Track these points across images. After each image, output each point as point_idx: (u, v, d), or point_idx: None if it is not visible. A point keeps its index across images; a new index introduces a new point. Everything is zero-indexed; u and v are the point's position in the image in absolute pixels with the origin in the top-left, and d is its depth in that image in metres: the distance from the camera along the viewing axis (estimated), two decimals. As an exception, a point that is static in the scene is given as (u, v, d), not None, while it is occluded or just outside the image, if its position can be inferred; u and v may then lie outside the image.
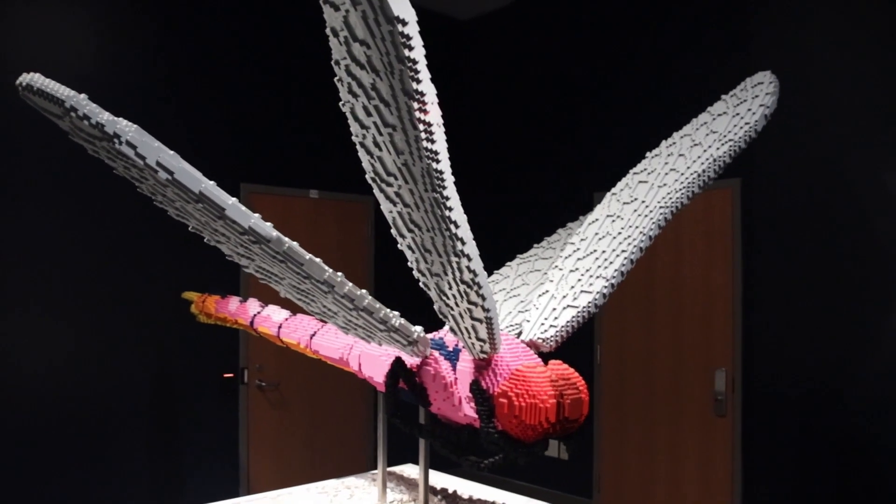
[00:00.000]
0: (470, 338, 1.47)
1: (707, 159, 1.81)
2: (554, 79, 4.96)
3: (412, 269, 1.44)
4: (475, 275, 1.31)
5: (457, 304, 1.41)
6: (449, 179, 1.21)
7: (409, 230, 1.34)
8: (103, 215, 3.91)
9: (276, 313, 2.42)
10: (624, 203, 1.85)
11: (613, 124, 4.61)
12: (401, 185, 1.26)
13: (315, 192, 4.67)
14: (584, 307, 1.65)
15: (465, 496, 2.13)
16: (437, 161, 1.18)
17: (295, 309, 2.43)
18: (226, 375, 4.19)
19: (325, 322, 2.21)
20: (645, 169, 1.91)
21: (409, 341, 1.53)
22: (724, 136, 1.84)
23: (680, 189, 1.77)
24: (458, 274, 1.33)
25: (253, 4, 4.59)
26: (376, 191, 1.33)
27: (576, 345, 1.43)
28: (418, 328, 1.56)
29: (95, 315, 3.85)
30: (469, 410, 1.53)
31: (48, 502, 3.68)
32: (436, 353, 1.63)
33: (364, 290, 1.43)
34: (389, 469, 2.46)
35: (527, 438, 1.44)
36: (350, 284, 1.41)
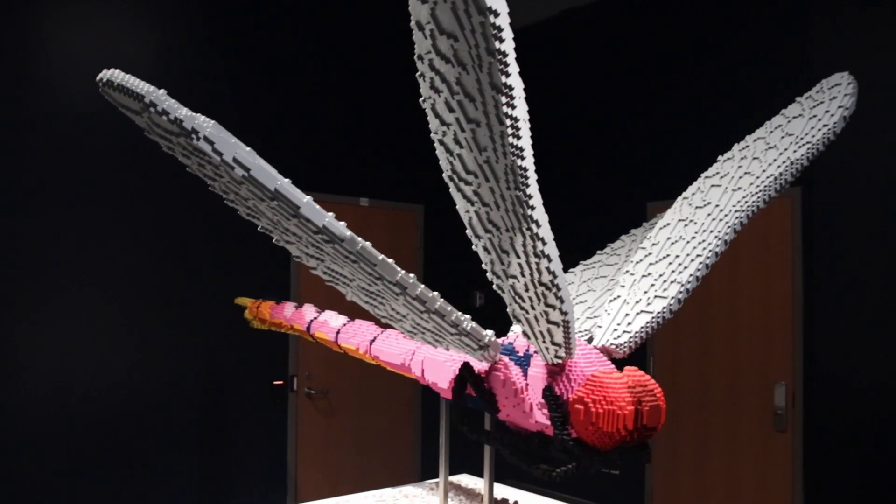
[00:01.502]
0: (545, 342, 1.43)
1: (784, 162, 1.75)
2: (607, 88, 4.91)
3: (486, 271, 1.41)
4: (554, 276, 1.28)
5: (533, 307, 1.37)
6: (532, 177, 1.18)
7: (487, 230, 1.31)
8: (157, 221, 3.97)
9: (333, 319, 2.41)
10: (696, 207, 1.79)
11: (668, 134, 4.54)
12: (480, 184, 1.24)
13: (366, 199, 4.68)
14: (658, 312, 1.60)
15: (526, 506, 2.08)
16: (522, 158, 1.15)
17: (352, 315, 2.43)
18: (275, 383, 4.21)
19: (385, 328, 2.20)
20: (717, 172, 1.86)
21: (479, 345, 1.49)
22: (801, 139, 1.78)
23: (756, 192, 1.72)
24: (536, 276, 1.29)
25: (305, 9, 4.64)
26: (453, 190, 1.30)
27: (628, 357, 1.39)
28: (489, 332, 1.53)
29: (147, 321, 3.90)
30: (541, 417, 1.49)
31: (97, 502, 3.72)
32: (505, 359, 1.60)
33: (436, 293, 1.41)
34: (457, 480, 2.42)
35: (603, 446, 1.40)
36: (422, 286, 1.39)
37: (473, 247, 1.38)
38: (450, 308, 1.42)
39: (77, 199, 3.75)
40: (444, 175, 1.29)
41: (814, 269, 3.80)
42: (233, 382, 4.10)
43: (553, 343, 1.42)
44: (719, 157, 1.91)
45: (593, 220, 4.79)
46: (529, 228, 1.22)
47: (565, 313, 1.33)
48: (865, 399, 3.61)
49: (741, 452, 4.00)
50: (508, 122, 1.11)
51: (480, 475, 2.41)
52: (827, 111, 1.81)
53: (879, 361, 3.57)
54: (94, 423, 3.72)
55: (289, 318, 2.63)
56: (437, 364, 1.83)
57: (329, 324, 2.39)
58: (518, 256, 1.30)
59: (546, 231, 1.25)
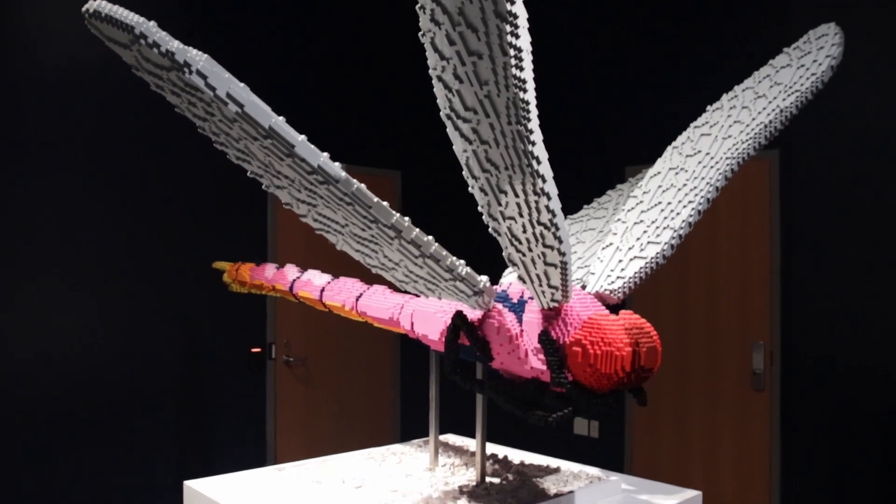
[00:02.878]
0: (541, 285, 1.43)
1: (773, 110, 1.76)
2: (583, 50, 4.88)
3: (482, 214, 1.39)
4: (553, 215, 1.27)
5: (530, 249, 1.37)
6: (534, 112, 1.17)
7: (484, 170, 1.30)
8: (128, 187, 3.87)
9: (316, 277, 2.38)
10: (687, 156, 1.80)
11: (646, 97, 4.54)
12: (479, 121, 1.22)
13: (342, 165, 4.61)
14: (652, 258, 1.61)
15: (516, 461, 2.09)
16: (525, 90, 1.13)
17: (337, 274, 2.41)
18: (253, 350, 4.17)
19: (371, 285, 2.18)
20: (707, 122, 1.86)
21: (474, 291, 1.48)
22: (790, 88, 1.79)
23: (746, 140, 1.73)
24: (535, 215, 1.28)
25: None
26: (451, 129, 1.28)
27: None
28: (484, 277, 1.52)
29: (120, 289, 3.83)
30: (536, 363, 1.50)
31: (75, 479, 3.67)
32: (499, 306, 1.59)
33: (430, 237, 1.39)
34: (443, 438, 2.42)
35: (600, 388, 1.40)
36: (417, 230, 1.37)
37: (469, 189, 1.36)
38: (444, 252, 1.40)
39: (44, 164, 3.64)
40: (441, 113, 1.26)
41: (792, 230, 3.85)
42: (210, 351, 4.05)
43: (550, 286, 1.41)
44: (708, 107, 1.91)
45: (570, 184, 4.78)
46: (530, 165, 1.21)
47: (563, 254, 1.32)
48: (842, 359, 3.69)
49: (720, 412, 4.08)
50: (512, 52, 1.08)
51: (466, 435, 2.42)
52: (815, 60, 1.82)
53: (856, 321, 3.65)
54: (69, 395, 3.66)
55: (270, 278, 2.59)
56: (428, 316, 1.82)
57: (313, 282, 2.36)
58: (517, 196, 1.28)
59: (546, 168, 1.23)
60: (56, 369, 3.64)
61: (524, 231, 1.34)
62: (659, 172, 1.80)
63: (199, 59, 1.15)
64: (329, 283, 2.29)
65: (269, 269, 2.65)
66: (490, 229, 1.42)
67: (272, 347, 4.24)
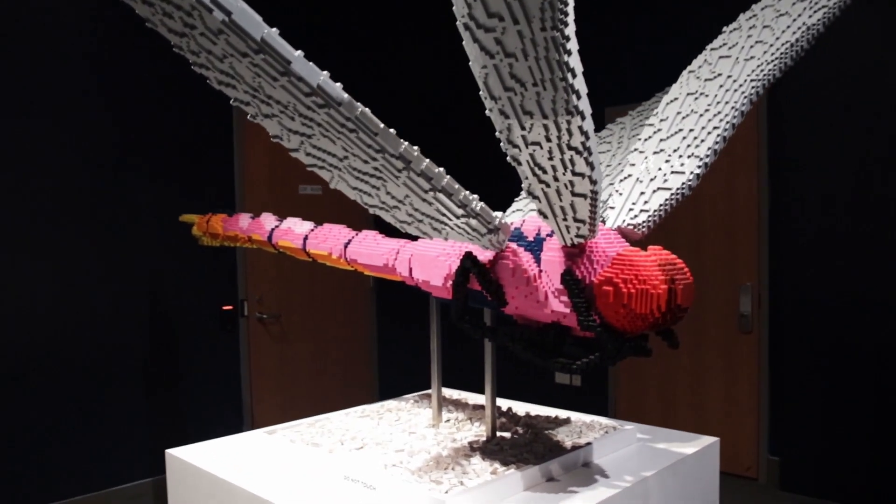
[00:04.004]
0: (565, 220, 1.29)
1: (799, 28, 1.62)
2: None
3: (500, 141, 1.24)
4: (587, 138, 1.12)
5: (556, 179, 1.22)
6: (571, 15, 1.01)
7: (507, 88, 1.14)
8: (86, 139, 3.60)
9: (297, 225, 2.22)
10: (706, 80, 1.66)
11: (624, 37, 4.38)
12: (505, 28, 1.05)
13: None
14: (677, 189, 1.48)
15: (521, 413, 1.98)
16: (563, -14, 0.97)
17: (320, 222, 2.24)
18: (225, 308, 3.98)
19: (359, 231, 2.02)
20: (725, 44, 1.72)
21: (489, 229, 1.34)
22: (816, 4, 1.65)
23: (771, 60, 1.60)
24: (566, 137, 1.14)
25: None
26: (468, 42, 1.11)
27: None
28: (498, 214, 1.38)
29: (82, 247, 3.59)
30: (558, 306, 1.37)
31: (46, 447, 3.48)
32: (513, 245, 1.45)
33: (442, 169, 1.24)
34: (425, 392, 2.30)
35: (633, 330, 1.28)
36: (427, 160, 1.21)
37: (487, 112, 1.20)
38: (457, 186, 1.26)
39: (1, 110, 3.35)
40: (458, 23, 1.09)
41: (779, 171, 3.79)
42: (179, 309, 3.85)
43: (576, 220, 1.28)
44: (724, 28, 1.77)
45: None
46: (564, 79, 1.05)
47: (595, 182, 1.19)
48: (829, 300, 3.67)
49: (707, 356, 4.05)
50: (553, -63, 0.92)
51: (454, 387, 2.30)
52: (841, -28, 1.68)
53: (843, 263, 3.62)
54: (32, 360, 3.44)
55: (245, 229, 2.41)
56: (429, 260, 1.68)
57: (294, 230, 2.19)
58: (545, 116, 1.13)
59: (581, 83, 1.09)
60: (14, 334, 3.41)
61: (550, 157, 1.19)
62: (676, 98, 1.66)
63: (173, -48, 0.97)
64: (312, 230, 2.13)
65: (244, 220, 2.47)
66: (509, 158, 1.26)
67: (244, 304, 4.06)
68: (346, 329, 4.62)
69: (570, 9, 0.99)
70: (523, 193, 1.98)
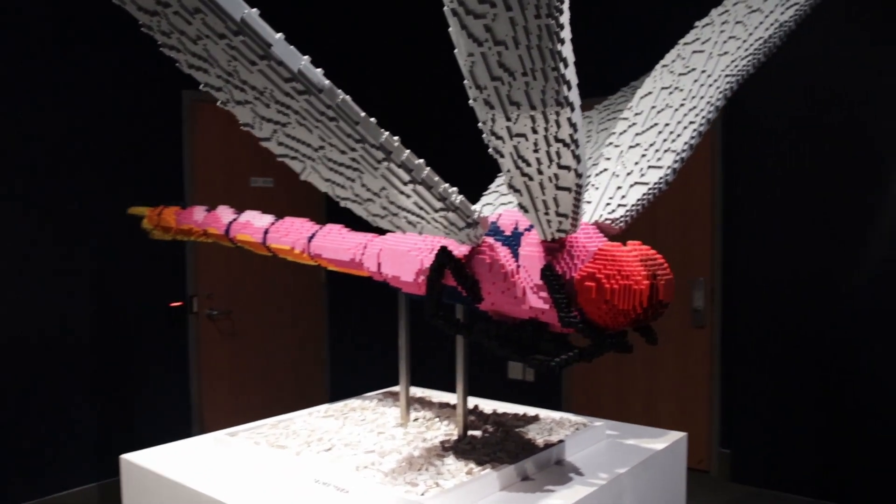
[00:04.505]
0: (548, 214, 1.26)
1: (772, 24, 1.64)
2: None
3: (483, 133, 1.20)
4: (575, 130, 1.10)
5: (540, 172, 1.19)
6: (566, 2, 0.98)
7: (494, 78, 1.10)
8: (28, 128, 3.42)
9: (257, 218, 2.13)
10: (679, 74, 1.66)
11: (585, 30, 4.38)
12: (497, 15, 1.01)
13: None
14: (654, 183, 1.47)
15: (488, 410, 1.95)
16: (560, -29, 0.94)
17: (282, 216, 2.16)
18: (173, 305, 3.83)
19: (324, 224, 1.95)
20: (697, 38, 1.72)
21: (467, 223, 1.30)
22: (788, 1, 1.67)
23: (745, 56, 1.60)
24: (553, 129, 1.11)
25: None
26: (455, 29, 1.06)
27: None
28: (477, 207, 1.34)
29: (21, 241, 3.40)
30: (537, 301, 1.34)
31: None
32: (490, 240, 1.42)
33: (422, 160, 1.19)
34: (388, 389, 2.26)
35: (615, 326, 1.27)
36: (408, 151, 1.17)
37: (470, 102, 1.16)
38: (437, 178, 1.21)
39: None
40: (445, 8, 1.05)
41: (733, 166, 3.84)
42: (126, 306, 3.68)
43: (558, 214, 1.25)
44: (696, 23, 1.78)
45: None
46: (556, 68, 1.02)
47: (580, 175, 1.16)
48: (781, 296, 3.75)
49: (660, 350, 4.09)
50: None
51: (420, 385, 2.26)
52: (810, -28, 1.70)
53: (795, 260, 3.71)
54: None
55: (201, 222, 2.31)
56: (399, 255, 1.63)
57: (254, 224, 2.11)
58: (532, 107, 1.10)
59: (572, 73, 1.06)
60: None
61: (536, 150, 1.16)
62: (650, 92, 1.66)
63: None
64: (273, 224, 2.05)
65: (199, 213, 2.37)
66: (490, 149, 1.23)
67: (194, 301, 3.92)
68: (299, 326, 4.52)
69: (566, -5, 0.96)
70: (493, 187, 1.95)
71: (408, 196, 1.26)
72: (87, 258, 3.58)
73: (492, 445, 1.56)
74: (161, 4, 0.99)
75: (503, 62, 1.07)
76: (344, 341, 4.80)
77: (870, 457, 3.56)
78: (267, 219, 2.10)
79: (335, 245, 1.83)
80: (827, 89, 3.63)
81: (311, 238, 1.90)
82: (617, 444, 1.70)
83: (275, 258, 2.16)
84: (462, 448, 1.54)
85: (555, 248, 1.32)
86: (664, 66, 1.70)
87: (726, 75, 1.58)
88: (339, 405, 1.99)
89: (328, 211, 4.69)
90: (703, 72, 1.61)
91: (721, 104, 1.56)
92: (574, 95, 1.06)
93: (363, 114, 1.11)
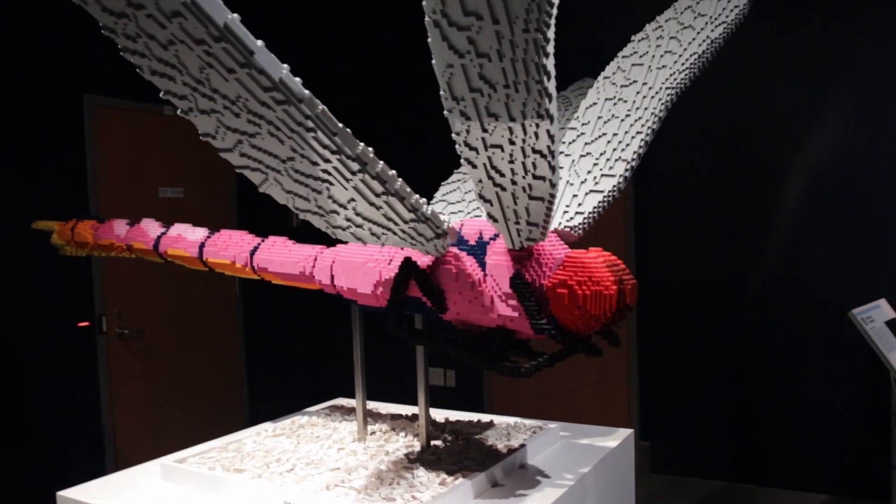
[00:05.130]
0: (518, 223, 1.28)
1: (704, 40, 1.73)
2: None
3: (457, 144, 1.20)
4: (552, 141, 1.12)
5: (513, 182, 1.21)
6: (554, 12, 1.00)
7: (473, 90, 1.11)
8: None
9: (189, 232, 2.05)
10: (621, 86, 1.73)
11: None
12: (482, 28, 1.02)
13: (170, 108, 4.07)
14: (609, 191, 1.52)
15: (440, 419, 1.96)
16: (552, -13, 0.95)
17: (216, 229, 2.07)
18: (80, 325, 3.58)
19: (265, 237, 1.89)
20: (635, 52, 1.80)
21: (436, 234, 1.30)
22: (716, 19, 1.77)
23: (682, 70, 1.69)
24: (532, 141, 1.12)
25: None
26: (435, 40, 1.06)
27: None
28: (445, 217, 1.34)
29: None
30: (505, 310, 1.35)
31: None
32: (454, 250, 1.42)
33: (394, 171, 1.18)
34: (331, 403, 2.22)
35: (587, 331, 1.30)
36: (382, 163, 1.16)
37: (445, 112, 1.17)
38: (409, 189, 1.21)
39: None
40: (427, 18, 1.04)
41: (645, 174, 3.99)
42: (28, 329, 3.39)
43: (529, 223, 1.27)
44: (633, 37, 1.85)
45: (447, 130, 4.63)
46: (540, 81, 1.04)
47: (554, 185, 1.19)
48: (691, 295, 3.95)
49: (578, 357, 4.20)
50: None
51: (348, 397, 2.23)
52: (734, -8, 1.81)
53: (705, 257, 3.92)
54: None
55: (124, 237, 2.19)
56: (356, 266, 1.60)
57: (186, 238, 2.02)
58: (512, 119, 1.11)
59: (552, 86, 1.08)
60: None
61: (511, 161, 1.18)
62: (595, 103, 1.71)
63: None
64: (209, 237, 1.97)
65: (120, 226, 2.24)
66: (463, 160, 1.23)
67: (103, 319, 3.69)
68: (214, 344, 4.33)
69: (555, 11, 0.98)
70: (438, 196, 1.96)
71: (378, 207, 1.24)
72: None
73: (456, 454, 1.56)
74: (133, 6, 0.93)
75: (484, 74, 1.08)
76: (261, 355, 4.66)
77: (775, 440, 3.82)
78: (200, 232, 2.02)
79: (282, 258, 1.78)
80: (730, 91, 3.86)
81: (253, 252, 1.84)
82: (572, 445, 1.74)
83: (177, 268, 2.06)
84: (427, 459, 1.53)
85: (523, 256, 1.34)
86: (606, 77, 1.77)
87: (667, 88, 1.65)
88: (286, 422, 1.93)
89: (239, 222, 4.54)
90: (645, 84, 1.68)
91: (663, 115, 1.63)
92: (554, 107, 1.08)
93: (341, 125, 1.09)
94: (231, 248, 1.90)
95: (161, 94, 1.14)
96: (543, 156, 1.14)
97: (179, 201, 4.13)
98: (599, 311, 1.26)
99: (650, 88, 1.67)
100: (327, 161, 1.15)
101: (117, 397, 3.77)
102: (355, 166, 1.14)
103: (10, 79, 3.42)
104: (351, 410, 2.04)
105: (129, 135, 3.91)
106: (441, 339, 1.43)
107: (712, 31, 1.74)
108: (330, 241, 1.77)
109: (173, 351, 4.08)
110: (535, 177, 1.18)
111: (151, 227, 2.14)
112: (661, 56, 1.74)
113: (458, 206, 1.81)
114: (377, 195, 1.20)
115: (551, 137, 1.11)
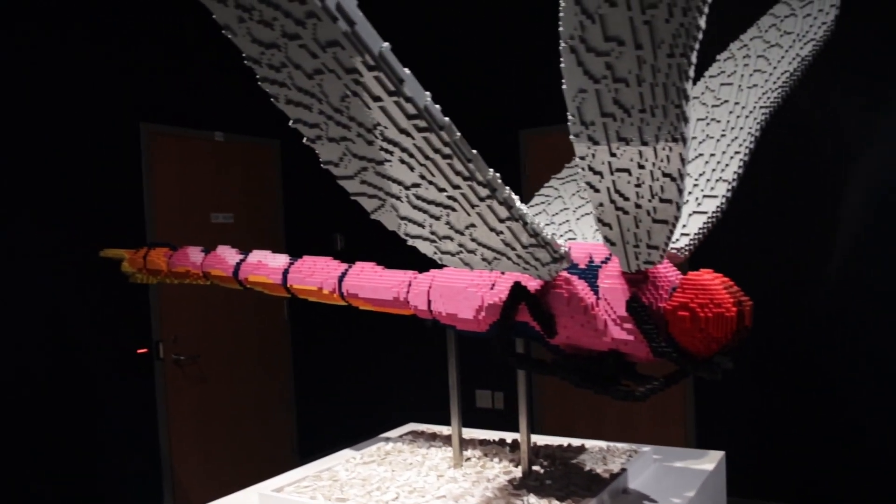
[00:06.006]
0: (637, 246, 1.27)
1: (794, 58, 1.73)
2: (475, 14, 4.70)
3: (581, 168, 1.20)
4: (683, 164, 1.12)
5: (637, 206, 1.20)
6: (699, 36, 1.00)
7: (605, 115, 1.11)
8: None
9: (269, 258, 2.06)
10: (713, 106, 1.72)
11: (539, 61, 4.47)
12: (622, 53, 1.02)
13: (220, 133, 4.13)
14: (712, 212, 1.52)
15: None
16: (703, 13, 0.96)
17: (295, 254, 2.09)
18: (140, 351, 3.61)
19: (352, 263, 1.90)
20: (723, 71, 1.80)
21: (553, 258, 1.29)
22: (804, 36, 1.77)
23: (774, 88, 1.68)
24: (663, 164, 1.12)
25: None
26: (569, 65, 1.06)
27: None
28: (563, 241, 1.34)
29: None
30: (620, 333, 1.34)
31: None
32: (564, 274, 1.42)
33: (516, 196, 1.18)
34: (407, 428, 2.21)
35: (707, 353, 1.29)
36: (508, 188, 1.16)
37: (571, 137, 1.17)
38: (529, 214, 1.21)
39: None
40: (562, 46, 1.05)
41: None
42: (88, 355, 3.42)
43: (649, 246, 1.26)
44: (718, 57, 1.85)
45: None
46: (679, 105, 1.04)
47: (680, 208, 1.18)
48: (756, 310, 3.86)
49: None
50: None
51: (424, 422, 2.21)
52: (820, 9, 1.81)
53: (770, 274, 3.87)
54: None
55: (200, 264, 2.21)
56: (456, 292, 1.60)
57: (268, 265, 2.03)
58: (644, 143, 1.11)
59: (690, 109, 1.08)
60: None
61: (639, 185, 1.18)
62: (687, 124, 1.71)
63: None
64: (291, 263, 1.98)
65: (195, 254, 2.26)
66: (583, 183, 1.24)
67: (160, 346, 3.71)
68: (266, 369, 4.34)
69: (700, 35, 0.98)
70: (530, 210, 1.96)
71: (498, 233, 1.24)
72: (40, 303, 3.33)
73: (559, 479, 1.54)
74: (287, 36, 0.95)
75: (619, 99, 1.08)
76: (308, 379, 4.66)
77: (844, 460, 3.75)
78: (282, 258, 2.03)
79: (373, 284, 1.78)
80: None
81: (342, 277, 1.85)
82: (668, 468, 1.72)
83: (247, 295, 2.07)
84: (532, 485, 1.52)
85: (638, 279, 1.34)
86: (694, 97, 1.77)
87: (760, 107, 1.65)
88: (372, 449, 1.92)
89: (287, 247, 4.58)
90: (737, 103, 1.68)
91: (758, 135, 1.63)
92: (689, 131, 1.08)
93: (475, 151, 1.09)
94: (317, 275, 1.90)
95: (290, 123, 1.15)
96: (673, 179, 1.13)
97: (229, 226, 4.17)
98: (721, 334, 1.24)
99: (743, 108, 1.67)
100: (456, 188, 1.15)
101: (174, 423, 3.78)
102: (484, 192, 1.14)
103: (70, 108, 3.48)
104: (433, 436, 2.03)
105: (184, 161, 3.97)
106: (553, 365, 1.43)
107: (801, 48, 1.74)
108: (386, 264, 1.81)
109: (226, 376, 4.09)
110: (661, 200, 1.17)
111: (229, 254, 2.16)
112: (751, 75, 1.73)
113: (549, 228, 1.81)
114: (501, 220, 1.20)
115: (683, 161, 1.11)
